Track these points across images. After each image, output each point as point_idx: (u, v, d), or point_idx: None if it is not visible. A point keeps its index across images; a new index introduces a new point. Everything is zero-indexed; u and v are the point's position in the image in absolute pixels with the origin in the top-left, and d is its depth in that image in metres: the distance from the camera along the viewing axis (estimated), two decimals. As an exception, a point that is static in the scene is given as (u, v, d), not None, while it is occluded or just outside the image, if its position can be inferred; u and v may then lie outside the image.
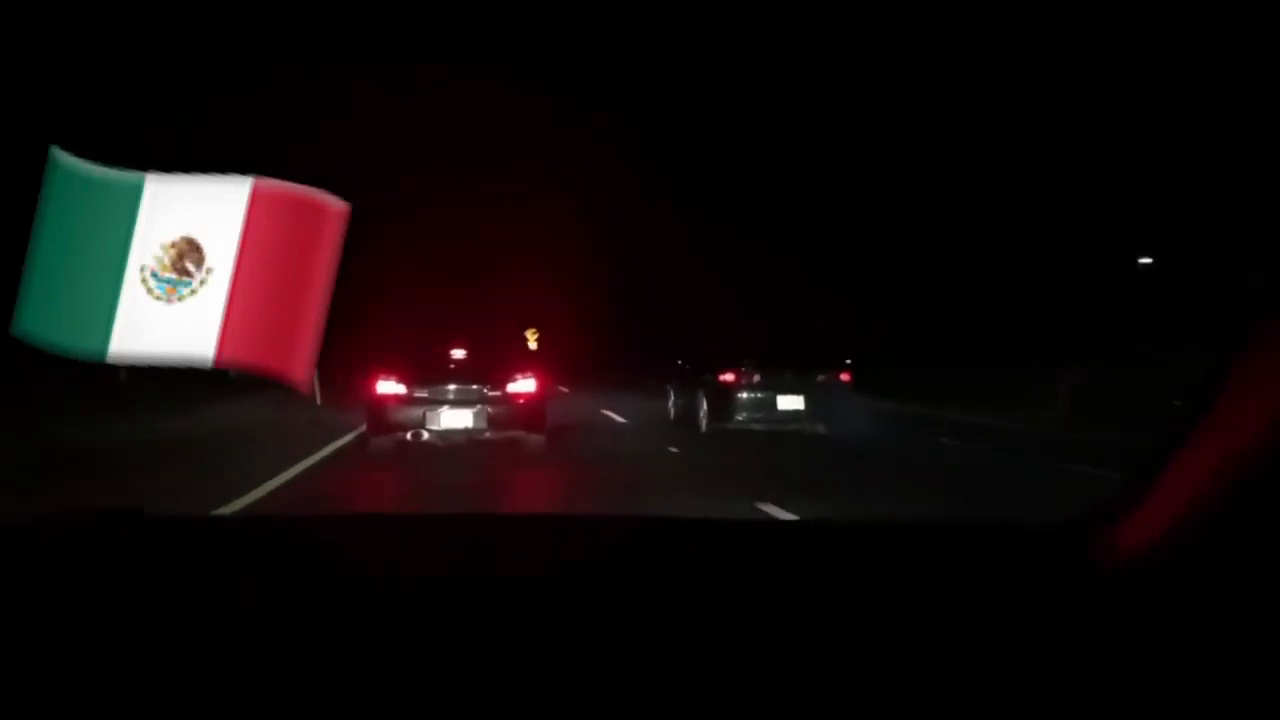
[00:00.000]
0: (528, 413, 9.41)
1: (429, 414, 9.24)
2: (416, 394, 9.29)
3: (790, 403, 11.62)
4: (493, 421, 9.29)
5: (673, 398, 13.81)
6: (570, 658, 1.03)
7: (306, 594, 1.25)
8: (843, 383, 12.00)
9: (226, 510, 5.99)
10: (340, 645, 1.06)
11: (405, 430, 9.26)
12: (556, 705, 0.93)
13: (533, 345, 34.99)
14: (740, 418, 11.53)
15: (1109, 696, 0.94)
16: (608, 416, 15.13)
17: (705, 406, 11.88)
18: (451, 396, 9.32)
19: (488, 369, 9.48)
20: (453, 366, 9.57)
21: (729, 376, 11.63)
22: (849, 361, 12.34)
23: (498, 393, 9.34)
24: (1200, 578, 1.02)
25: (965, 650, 1.03)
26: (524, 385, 9.46)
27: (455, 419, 9.29)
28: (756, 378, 11.60)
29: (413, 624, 1.12)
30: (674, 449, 10.41)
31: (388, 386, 9.30)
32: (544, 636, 1.08)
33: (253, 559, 1.44)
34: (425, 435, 9.24)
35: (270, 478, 7.61)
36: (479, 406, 9.29)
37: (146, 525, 1.60)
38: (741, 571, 1.38)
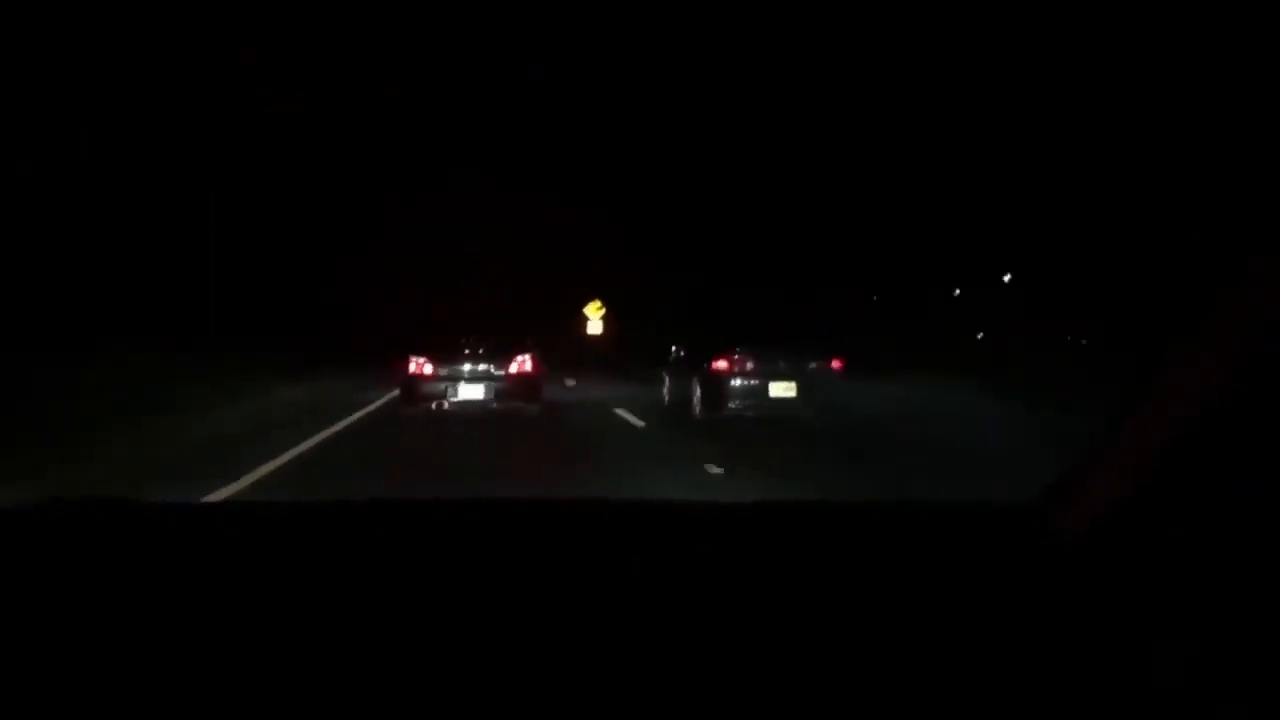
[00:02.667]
0: (527, 387, 11.77)
1: (449, 388, 11.60)
2: (440, 373, 11.68)
3: (782, 390, 11.79)
4: (499, 395, 11.62)
5: (667, 384, 13.97)
6: (561, 644, 1.06)
7: (294, 584, 1.24)
8: (834, 370, 12.31)
9: (216, 496, 6.15)
10: (328, 637, 1.07)
11: (431, 401, 11.63)
12: (552, 696, 0.96)
13: (596, 324, 33.18)
14: (733, 405, 11.66)
15: (1075, 668, 0.98)
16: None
17: (699, 393, 12.15)
18: (467, 375, 11.69)
19: (495, 353, 11.80)
20: (468, 352, 11.88)
21: (722, 364, 11.83)
22: (841, 349, 12.52)
23: (502, 372, 11.69)
24: (1157, 546, 1.07)
25: (937, 627, 1.08)
26: (524, 366, 11.81)
27: (471, 392, 11.65)
28: (750, 365, 11.71)
29: (404, 613, 1.13)
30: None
31: (419, 367, 11.73)
32: (536, 626, 1.11)
33: (237, 548, 1.42)
34: (447, 405, 11.58)
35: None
36: (488, 383, 11.62)
37: (133, 513, 1.59)
38: (712, 557, 1.38)
